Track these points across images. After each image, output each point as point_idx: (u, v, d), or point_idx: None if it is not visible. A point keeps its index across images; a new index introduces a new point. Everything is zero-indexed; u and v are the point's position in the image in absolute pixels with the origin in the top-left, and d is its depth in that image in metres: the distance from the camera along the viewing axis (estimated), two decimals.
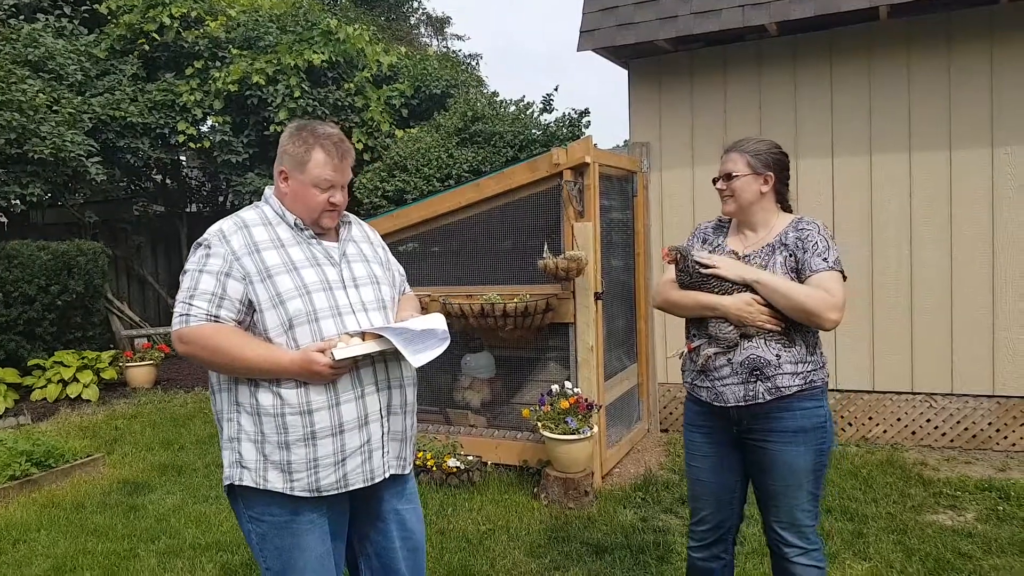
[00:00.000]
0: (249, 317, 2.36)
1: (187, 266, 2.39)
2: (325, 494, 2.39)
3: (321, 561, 2.44)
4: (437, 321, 2.55)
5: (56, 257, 8.64)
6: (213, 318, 2.31)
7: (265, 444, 2.34)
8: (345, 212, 2.62)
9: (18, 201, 9.36)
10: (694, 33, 5.94)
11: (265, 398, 2.33)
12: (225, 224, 2.43)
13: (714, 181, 2.92)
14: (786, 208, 2.94)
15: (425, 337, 2.44)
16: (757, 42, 6.19)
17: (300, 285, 2.37)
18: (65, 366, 8.43)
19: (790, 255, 2.74)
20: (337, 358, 2.28)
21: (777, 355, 2.67)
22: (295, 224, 2.47)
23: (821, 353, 2.79)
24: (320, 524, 2.43)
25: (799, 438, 2.69)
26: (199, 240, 2.42)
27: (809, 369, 2.70)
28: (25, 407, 7.94)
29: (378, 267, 2.63)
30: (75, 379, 8.37)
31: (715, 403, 2.78)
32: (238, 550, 4.36)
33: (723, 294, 2.71)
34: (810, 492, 2.73)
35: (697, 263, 2.75)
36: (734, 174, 2.84)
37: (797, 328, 2.70)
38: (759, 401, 2.69)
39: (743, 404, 2.71)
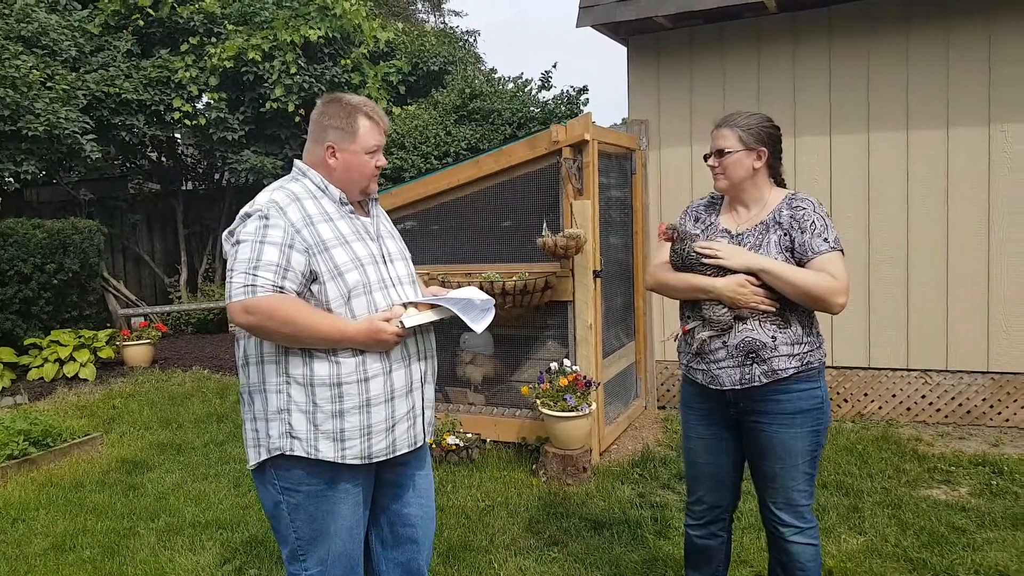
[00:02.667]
0: (307, 288, 2.39)
1: (242, 236, 2.36)
2: (376, 459, 2.47)
3: (351, 530, 2.51)
4: (476, 292, 2.65)
5: (51, 235, 8.61)
6: (279, 289, 2.31)
7: (317, 414, 2.38)
8: None
9: (12, 179, 9.32)
10: (693, 10, 5.90)
11: (321, 368, 2.37)
12: (277, 195, 2.43)
13: (705, 158, 2.87)
14: (779, 183, 2.89)
15: (472, 307, 2.56)
16: (756, 19, 6.15)
17: (354, 258, 2.44)
18: (62, 345, 8.43)
19: (784, 234, 2.70)
20: (407, 325, 2.41)
21: (773, 337, 2.66)
22: (340, 199, 2.53)
23: (817, 333, 2.77)
24: (355, 494, 2.50)
25: (796, 420, 2.69)
26: (250, 210, 2.41)
27: (805, 350, 2.69)
28: (22, 386, 7.94)
29: (402, 243, 2.74)
30: (72, 358, 8.36)
31: (711, 386, 2.77)
32: (238, 527, 4.38)
33: (716, 275, 2.69)
34: (806, 472, 2.74)
35: (699, 253, 2.71)
36: (726, 150, 2.78)
37: (792, 309, 2.69)
38: (756, 384, 2.68)
39: (739, 387, 2.71)
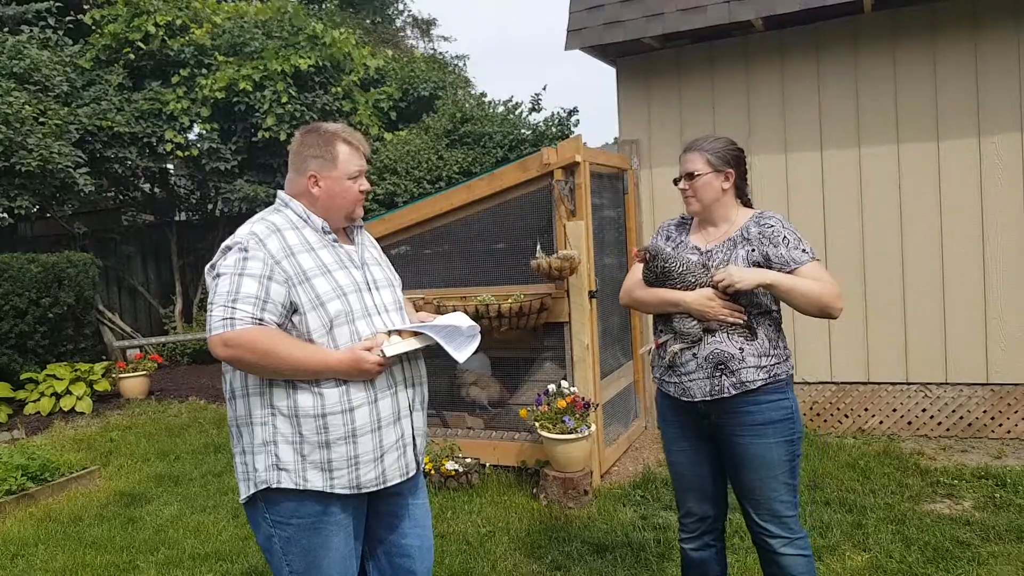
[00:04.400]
0: (288, 320, 2.38)
1: (221, 269, 2.36)
2: (365, 490, 2.44)
3: (344, 562, 2.48)
4: (461, 319, 2.62)
5: (46, 269, 8.59)
6: (258, 321, 2.30)
7: (304, 445, 2.36)
8: None
9: (6, 214, 9.32)
10: (681, 30, 5.94)
11: (305, 399, 2.36)
12: (257, 227, 2.43)
13: (675, 182, 2.97)
14: (746, 203, 2.99)
15: (457, 333, 2.55)
16: (743, 38, 6.20)
17: (336, 287, 2.43)
18: (58, 379, 8.39)
19: (753, 249, 2.79)
20: (388, 355, 2.38)
21: (740, 348, 2.72)
22: (322, 228, 2.52)
23: (784, 346, 2.84)
24: (346, 525, 2.47)
25: (768, 430, 2.74)
26: (231, 243, 2.40)
27: (773, 363, 2.75)
28: (19, 421, 7.90)
29: (389, 270, 2.72)
30: (68, 392, 8.33)
31: (683, 398, 2.84)
32: (238, 559, 4.35)
33: (686, 289, 2.75)
34: (786, 483, 2.78)
35: (715, 284, 2.72)
36: (696, 173, 2.88)
37: (759, 322, 2.77)
38: (725, 396, 2.74)
39: (709, 398, 2.77)
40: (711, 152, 2.89)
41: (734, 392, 2.72)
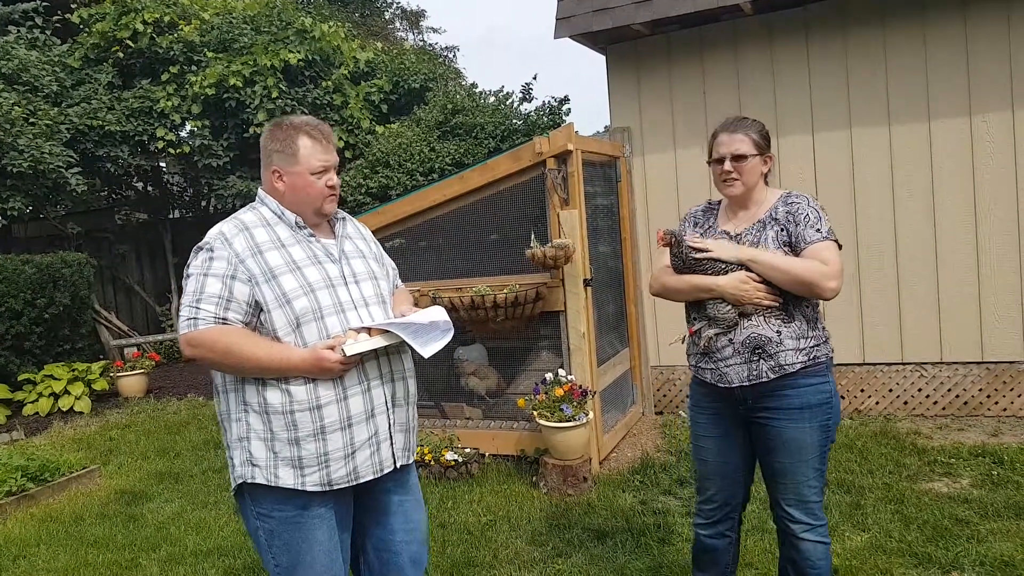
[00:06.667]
0: (255, 318, 2.38)
1: (190, 270, 2.40)
2: (336, 487, 2.42)
3: (329, 555, 2.47)
4: (438, 313, 2.59)
5: (41, 270, 8.57)
6: (221, 320, 2.33)
7: (275, 442, 2.37)
8: (338, 209, 2.66)
9: None
10: (670, 15, 5.93)
11: (274, 396, 2.36)
12: (225, 227, 2.45)
13: (719, 162, 2.84)
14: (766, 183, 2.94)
15: (429, 329, 2.50)
16: (733, 22, 6.19)
17: (304, 284, 2.40)
18: (56, 379, 8.39)
19: (782, 229, 2.75)
20: (348, 354, 2.34)
21: (778, 331, 2.68)
22: (295, 223, 2.50)
23: (823, 328, 2.80)
24: (328, 518, 2.46)
25: (805, 415, 2.70)
26: (200, 244, 2.43)
27: (812, 344, 2.72)
28: (17, 422, 7.89)
29: (374, 263, 2.67)
30: (66, 392, 8.33)
31: (720, 384, 2.79)
32: (240, 554, 4.36)
33: (717, 275, 2.72)
34: (816, 468, 2.75)
35: (690, 247, 2.75)
36: (748, 155, 2.80)
37: (796, 303, 2.71)
38: (763, 380, 2.70)
39: (748, 384, 2.72)
40: (757, 133, 2.83)
41: (773, 376, 2.68)
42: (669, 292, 2.93)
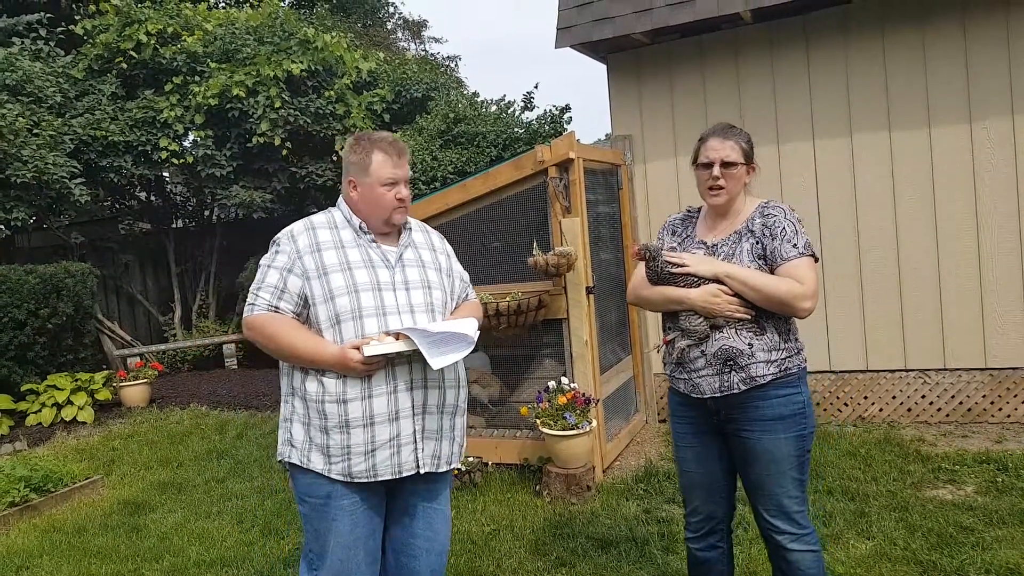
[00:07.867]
0: (305, 310, 2.60)
1: (261, 261, 2.66)
2: (356, 480, 2.55)
3: (347, 551, 2.58)
4: (467, 326, 2.66)
5: (44, 280, 8.58)
6: (273, 308, 2.58)
7: (311, 427, 2.56)
8: (409, 218, 2.80)
9: (2, 226, 9.31)
10: (670, 24, 5.96)
11: (311, 385, 2.56)
12: (296, 226, 2.70)
13: (706, 167, 2.83)
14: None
15: (450, 340, 2.56)
16: (733, 31, 6.21)
17: (350, 284, 2.57)
18: (59, 389, 8.38)
19: (757, 242, 2.75)
20: (366, 354, 2.47)
21: (749, 344, 2.70)
22: (359, 228, 2.67)
23: (796, 339, 2.80)
24: (352, 512, 2.59)
25: (778, 426, 2.71)
26: (274, 238, 2.69)
27: (783, 356, 2.72)
28: (21, 433, 7.89)
29: (433, 272, 2.78)
30: (69, 402, 8.32)
31: (692, 395, 2.81)
32: (243, 565, 4.35)
33: (690, 287, 2.73)
34: (795, 478, 2.75)
35: (667, 262, 2.77)
36: (737, 163, 2.80)
37: (768, 316, 2.72)
38: (734, 391, 2.71)
39: (719, 395, 2.74)
40: (746, 143, 2.84)
41: (744, 388, 2.69)
42: (644, 302, 2.98)
